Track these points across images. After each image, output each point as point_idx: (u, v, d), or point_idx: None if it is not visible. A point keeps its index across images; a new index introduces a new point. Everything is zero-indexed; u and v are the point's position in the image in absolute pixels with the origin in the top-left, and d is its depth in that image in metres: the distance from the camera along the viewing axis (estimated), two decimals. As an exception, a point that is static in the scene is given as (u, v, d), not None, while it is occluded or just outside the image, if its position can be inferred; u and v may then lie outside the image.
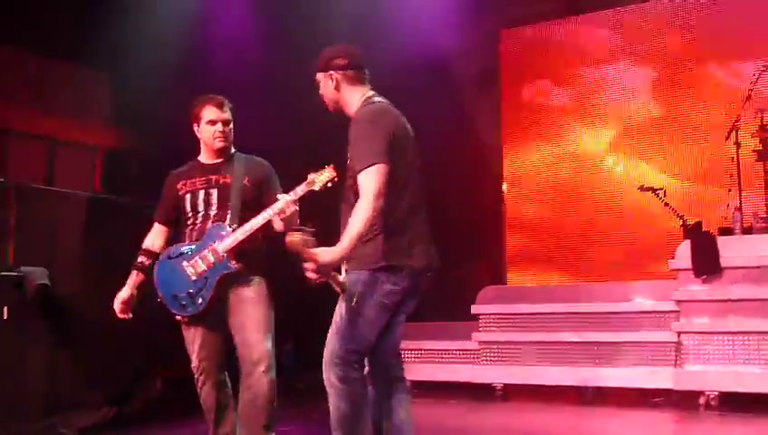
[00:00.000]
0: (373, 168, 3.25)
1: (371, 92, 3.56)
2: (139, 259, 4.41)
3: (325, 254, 3.20)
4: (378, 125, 3.37)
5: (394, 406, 3.50)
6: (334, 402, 3.33)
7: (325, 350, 3.37)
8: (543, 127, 9.54)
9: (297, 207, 4.02)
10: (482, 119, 9.79)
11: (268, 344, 4.14)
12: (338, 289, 3.40)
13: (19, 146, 8.44)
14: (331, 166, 3.80)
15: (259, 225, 4.10)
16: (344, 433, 3.33)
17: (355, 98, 3.53)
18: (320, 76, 3.60)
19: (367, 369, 3.51)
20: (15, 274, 5.66)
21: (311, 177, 3.95)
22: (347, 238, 3.21)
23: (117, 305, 4.35)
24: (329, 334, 3.38)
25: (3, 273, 5.58)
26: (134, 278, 4.39)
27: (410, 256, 3.36)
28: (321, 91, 3.61)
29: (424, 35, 8.90)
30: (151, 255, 4.40)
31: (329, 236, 3.39)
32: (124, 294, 4.36)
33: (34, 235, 6.00)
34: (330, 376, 3.33)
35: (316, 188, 3.91)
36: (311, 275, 3.20)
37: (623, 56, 9.14)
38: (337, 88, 3.54)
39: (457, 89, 9.76)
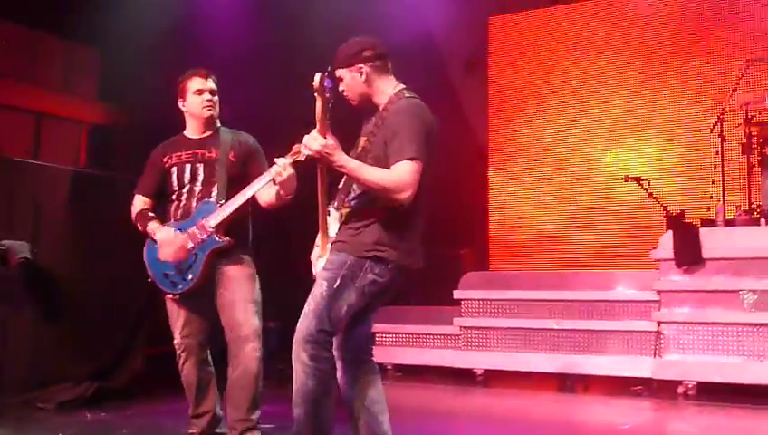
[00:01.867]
0: (415, 163, 3.23)
1: (402, 84, 3.51)
2: (149, 214, 4.27)
3: (333, 148, 3.24)
4: (425, 123, 3.34)
5: (364, 387, 3.50)
6: (301, 379, 3.30)
7: (298, 326, 3.34)
8: (529, 114, 9.53)
9: (293, 172, 3.96)
10: (469, 104, 9.79)
11: (256, 322, 4.14)
12: (320, 186, 3.42)
13: (5, 119, 8.38)
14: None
15: (249, 196, 4.10)
16: (306, 410, 3.32)
17: (387, 88, 3.46)
18: (343, 72, 3.46)
19: (336, 354, 3.50)
20: (-3, 247, 5.64)
21: (295, 147, 3.91)
22: (357, 164, 3.27)
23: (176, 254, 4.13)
24: (304, 312, 3.35)
25: (-15, 246, 5.56)
26: (157, 223, 4.23)
27: (401, 253, 3.36)
28: (344, 88, 3.49)
29: (412, 19, 8.88)
30: (149, 210, 4.29)
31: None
32: (166, 234, 4.16)
33: (18, 208, 5.98)
34: (300, 353, 3.30)
35: (302, 158, 3.82)
36: (307, 149, 3.28)
37: (610, 47, 9.13)
38: (367, 81, 3.45)
39: (445, 75, 9.74)
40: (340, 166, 3.28)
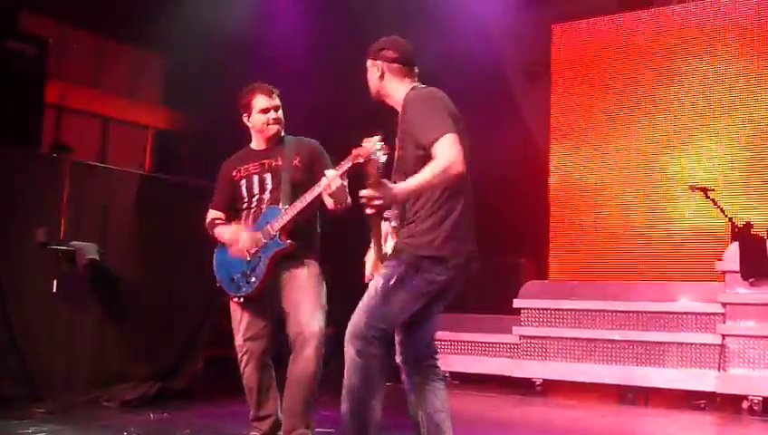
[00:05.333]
0: (449, 136, 3.22)
1: (417, 83, 3.56)
2: (217, 221, 4.37)
3: (387, 187, 3.12)
4: (442, 101, 3.38)
5: (429, 396, 3.46)
6: (347, 375, 3.31)
7: (350, 321, 3.35)
8: (592, 123, 9.44)
9: (344, 182, 3.99)
10: (531, 113, 9.73)
11: (320, 324, 4.16)
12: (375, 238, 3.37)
13: (74, 123, 8.60)
14: (378, 137, 3.72)
15: (307, 202, 4.13)
16: (350, 407, 3.31)
17: (399, 90, 3.52)
18: (368, 63, 3.61)
19: (399, 359, 3.51)
20: (66, 248, 5.76)
21: (354, 151, 3.92)
22: (414, 181, 3.17)
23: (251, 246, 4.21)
24: (358, 307, 3.36)
25: (54, 246, 5.68)
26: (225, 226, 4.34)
27: (457, 250, 3.34)
28: (367, 77, 3.63)
29: (475, 28, 8.86)
30: (219, 219, 4.40)
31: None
32: (242, 233, 4.24)
33: (86, 210, 6.11)
34: (348, 349, 3.31)
35: (361, 160, 3.83)
36: (368, 202, 3.10)
37: (674, 55, 8.99)
38: (381, 78, 3.55)
39: (508, 83, 9.70)
40: (398, 200, 3.25)
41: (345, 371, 3.33)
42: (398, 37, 3.64)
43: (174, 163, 8.95)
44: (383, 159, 3.27)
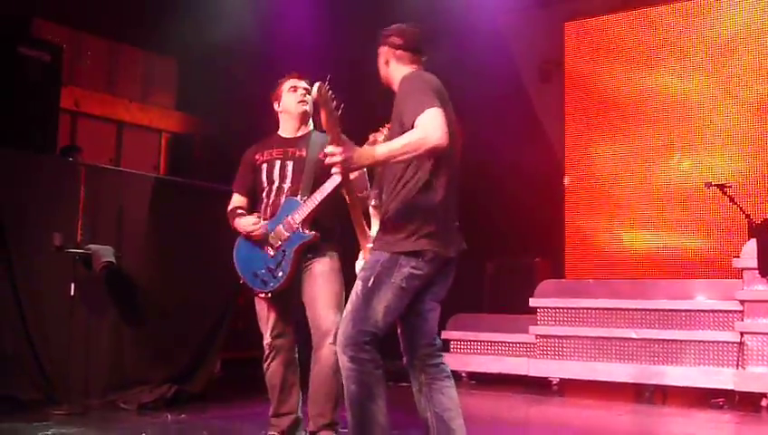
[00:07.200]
0: (432, 110, 3.17)
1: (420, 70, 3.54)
2: (238, 211, 4.38)
3: (351, 145, 3.19)
4: (427, 82, 3.35)
5: (436, 395, 3.39)
6: (346, 385, 3.26)
7: (339, 330, 3.32)
8: (607, 120, 9.41)
9: (364, 171, 4.02)
10: (545, 111, 9.71)
11: (337, 318, 4.14)
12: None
13: (89, 128, 8.66)
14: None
15: (327, 192, 4.13)
16: (353, 416, 3.26)
17: (401, 76, 3.49)
18: (379, 49, 3.61)
19: (405, 360, 3.47)
20: (83, 251, 5.77)
21: (371, 137, 3.97)
22: (385, 146, 3.20)
23: (257, 230, 4.26)
24: (344, 314, 3.34)
25: (71, 250, 5.70)
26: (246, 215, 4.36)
27: (435, 242, 3.28)
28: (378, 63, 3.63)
29: (488, 27, 8.86)
30: (240, 208, 4.41)
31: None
32: (252, 219, 4.29)
33: (102, 213, 6.12)
34: (342, 357, 3.26)
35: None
36: (333, 164, 3.21)
37: (690, 50, 8.94)
38: (387, 63, 3.55)
39: (521, 82, 9.69)
40: (368, 164, 3.33)
41: (343, 380, 3.29)
42: (406, 24, 3.62)
43: (188, 166, 8.99)
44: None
